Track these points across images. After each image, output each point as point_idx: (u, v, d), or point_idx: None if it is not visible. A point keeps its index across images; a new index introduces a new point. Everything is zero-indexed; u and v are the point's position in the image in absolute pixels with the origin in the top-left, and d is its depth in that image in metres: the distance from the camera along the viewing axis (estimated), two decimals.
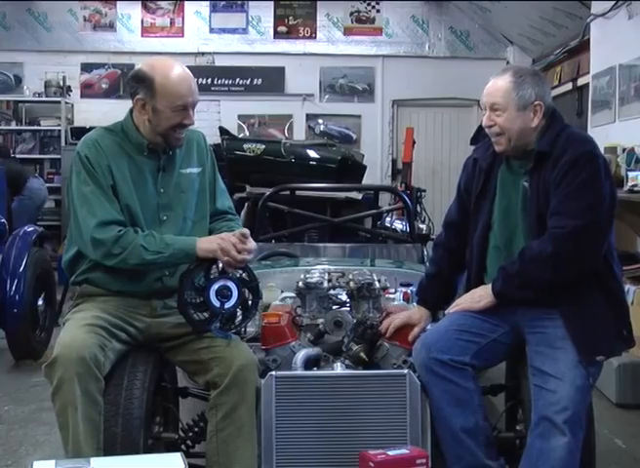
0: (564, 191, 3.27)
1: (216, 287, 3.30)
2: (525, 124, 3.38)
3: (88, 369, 3.08)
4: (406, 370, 3.34)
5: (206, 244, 3.32)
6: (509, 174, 3.50)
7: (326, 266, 4.51)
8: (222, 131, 9.83)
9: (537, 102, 3.37)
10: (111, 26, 12.97)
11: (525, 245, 3.38)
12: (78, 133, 11.54)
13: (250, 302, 3.38)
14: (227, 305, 3.30)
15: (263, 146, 8.89)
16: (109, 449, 3.11)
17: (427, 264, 3.91)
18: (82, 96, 13.00)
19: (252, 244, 3.36)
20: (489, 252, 3.53)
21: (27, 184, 10.21)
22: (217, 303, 3.29)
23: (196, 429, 3.51)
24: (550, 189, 3.30)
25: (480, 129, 12.43)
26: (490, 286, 3.43)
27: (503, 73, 3.44)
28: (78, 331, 3.20)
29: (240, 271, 3.36)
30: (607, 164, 3.43)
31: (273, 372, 3.32)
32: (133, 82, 3.42)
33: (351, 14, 13.06)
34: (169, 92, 3.32)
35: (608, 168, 3.41)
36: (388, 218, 7.84)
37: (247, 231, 3.39)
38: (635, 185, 6.42)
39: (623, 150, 7.17)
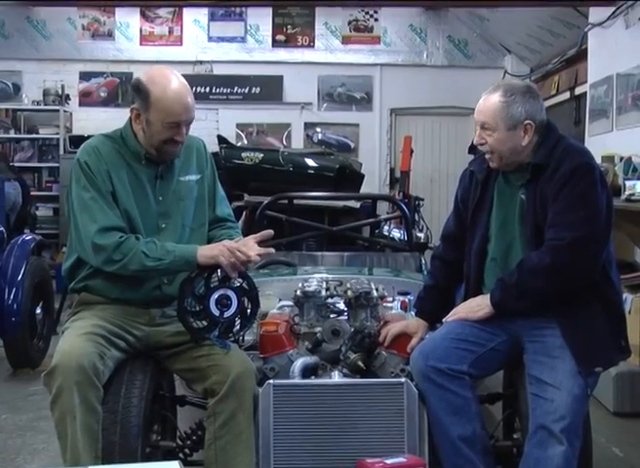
0: (561, 203, 3.28)
1: (216, 295, 3.31)
2: (515, 143, 3.38)
3: (87, 377, 3.08)
4: (403, 379, 3.35)
5: (207, 250, 3.32)
6: (506, 186, 3.51)
7: (324, 275, 4.51)
8: (221, 139, 9.84)
9: (527, 122, 3.36)
10: (110, 35, 12.98)
11: (523, 256, 3.39)
12: (77, 141, 11.54)
13: (249, 311, 3.38)
14: (227, 314, 3.31)
15: (262, 155, 8.90)
16: (107, 458, 3.11)
17: (425, 274, 3.90)
18: (80, 104, 12.99)
19: (259, 250, 3.37)
20: (486, 264, 3.54)
21: None
22: (216, 312, 3.30)
23: (194, 437, 3.51)
24: (547, 201, 3.31)
25: None
26: (488, 296, 3.44)
27: (494, 91, 3.41)
28: (77, 339, 3.20)
29: (240, 280, 3.37)
30: (603, 175, 3.44)
31: (271, 381, 3.33)
32: (132, 90, 3.44)
33: (349, 22, 13.06)
34: (162, 107, 3.33)
35: (604, 179, 3.42)
36: (386, 227, 7.85)
37: (270, 233, 3.46)
38: (632, 194, 6.43)
39: (621, 159, 7.20)
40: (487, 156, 3.45)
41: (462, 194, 3.68)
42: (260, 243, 3.40)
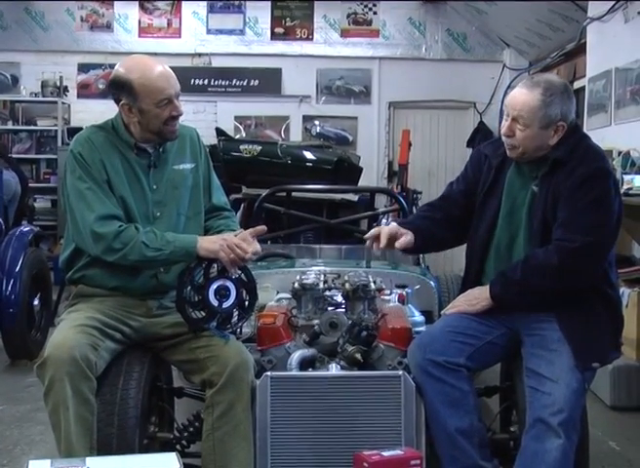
0: (575, 205, 3.28)
1: (215, 286, 3.31)
2: (543, 141, 3.37)
3: (79, 368, 3.08)
4: (401, 372, 3.36)
5: (208, 243, 3.32)
6: (518, 175, 3.50)
7: (322, 267, 4.52)
8: (219, 131, 9.83)
9: (560, 123, 3.35)
10: (108, 27, 12.95)
11: (527, 250, 3.39)
12: (75, 133, 11.28)
13: (247, 303, 3.39)
14: (225, 305, 3.31)
15: (260, 147, 8.88)
16: (104, 449, 3.12)
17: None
18: (79, 96, 12.96)
19: (256, 246, 3.37)
20: (489, 252, 3.54)
21: None
22: (215, 302, 3.31)
23: (191, 429, 3.51)
24: (559, 198, 3.31)
25: (476, 131, 12.45)
26: (487, 288, 3.44)
27: (534, 87, 3.36)
28: (70, 331, 3.20)
29: (239, 272, 3.37)
30: (617, 181, 3.46)
31: (268, 373, 3.33)
32: (113, 88, 3.43)
33: (348, 15, 13.04)
34: (149, 90, 3.33)
35: (618, 185, 3.45)
36: (384, 220, 7.84)
37: (264, 228, 3.43)
38: (630, 189, 6.44)
39: (619, 153, 7.19)
40: (507, 147, 3.44)
41: (474, 171, 3.66)
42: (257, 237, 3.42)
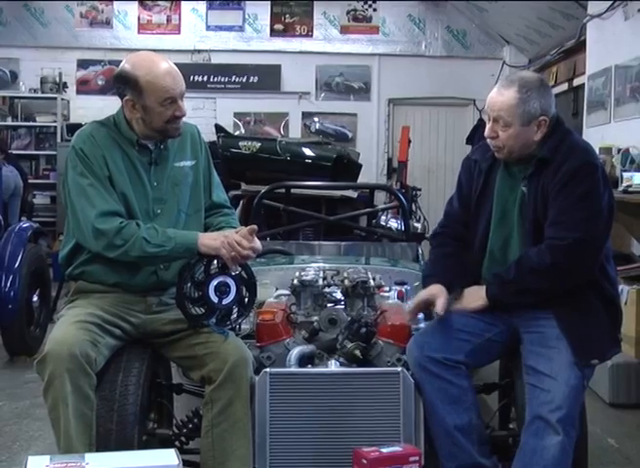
0: (563, 202, 3.28)
1: (215, 282, 3.31)
2: (528, 138, 3.37)
3: (79, 365, 3.07)
4: (400, 368, 3.36)
5: (209, 240, 3.32)
6: (508, 177, 3.49)
7: (321, 264, 4.52)
8: (218, 128, 9.82)
9: (541, 118, 3.35)
10: (108, 23, 12.95)
11: (521, 252, 3.39)
12: (74, 129, 11.31)
13: (246, 300, 3.39)
14: (225, 301, 3.31)
15: (259, 144, 8.88)
16: (103, 445, 3.11)
17: (429, 255, 3.73)
18: (78, 92, 12.97)
19: (257, 243, 3.37)
20: (486, 255, 3.54)
21: None
22: (215, 299, 3.30)
23: (190, 425, 3.51)
24: (548, 197, 3.31)
25: (476, 128, 12.46)
26: (483, 289, 3.44)
27: (510, 86, 3.37)
28: (69, 327, 3.20)
29: (239, 268, 3.37)
30: (606, 174, 3.45)
31: (267, 369, 3.33)
32: (118, 83, 3.42)
33: (348, 12, 13.04)
34: (155, 88, 3.32)
35: (607, 178, 3.42)
36: (384, 217, 7.85)
37: (255, 227, 3.41)
38: (630, 186, 6.44)
39: (618, 151, 7.20)
40: (494, 149, 3.44)
41: (467, 180, 3.63)
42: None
